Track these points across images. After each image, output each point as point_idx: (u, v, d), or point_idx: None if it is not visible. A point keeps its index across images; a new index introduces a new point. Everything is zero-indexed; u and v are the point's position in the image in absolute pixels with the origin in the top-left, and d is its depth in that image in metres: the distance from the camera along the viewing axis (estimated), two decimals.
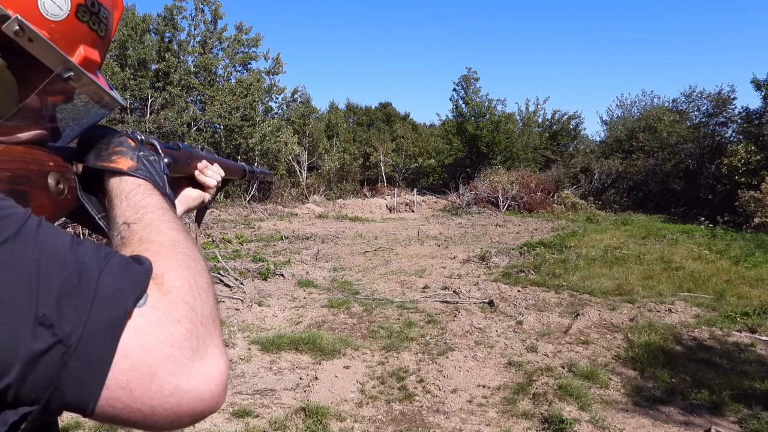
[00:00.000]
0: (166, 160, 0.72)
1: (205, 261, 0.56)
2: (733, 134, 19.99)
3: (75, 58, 0.58)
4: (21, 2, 0.52)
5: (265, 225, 14.40)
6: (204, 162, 0.93)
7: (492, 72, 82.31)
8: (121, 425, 0.44)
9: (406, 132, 32.83)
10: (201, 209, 0.98)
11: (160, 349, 0.42)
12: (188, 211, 0.93)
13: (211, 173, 0.93)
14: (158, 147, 0.74)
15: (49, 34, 0.54)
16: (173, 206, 0.66)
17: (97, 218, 0.66)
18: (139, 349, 0.42)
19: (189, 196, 0.91)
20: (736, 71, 79.27)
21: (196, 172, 0.91)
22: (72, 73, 0.57)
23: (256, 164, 23.91)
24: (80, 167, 0.66)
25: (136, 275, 0.45)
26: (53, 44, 0.54)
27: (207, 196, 0.94)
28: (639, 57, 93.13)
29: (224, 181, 0.99)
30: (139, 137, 0.70)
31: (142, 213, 0.59)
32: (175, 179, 0.86)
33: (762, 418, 3.49)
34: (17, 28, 0.51)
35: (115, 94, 0.66)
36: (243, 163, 1.17)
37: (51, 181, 0.59)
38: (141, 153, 0.67)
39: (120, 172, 0.64)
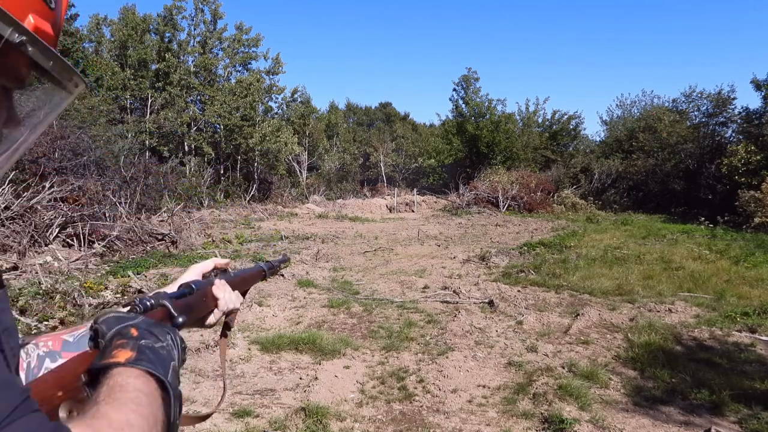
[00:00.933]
0: (179, 339, 0.66)
1: None
2: (733, 134, 20.05)
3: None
4: None
5: (265, 225, 14.40)
6: (220, 292, 0.90)
7: (492, 72, 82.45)
8: None
9: (406, 132, 32.87)
10: (225, 326, 0.98)
11: None
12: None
13: (222, 303, 0.91)
14: (170, 307, 0.70)
15: None
16: (171, 394, 0.59)
17: None
18: None
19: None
20: (736, 71, 79.44)
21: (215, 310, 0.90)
22: (24, 38, 0.49)
23: (256, 164, 23.91)
24: (86, 377, 0.60)
25: None
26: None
27: (214, 320, 0.92)
28: (639, 57, 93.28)
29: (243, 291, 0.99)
30: (148, 303, 0.66)
31: (117, 392, 0.53)
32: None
33: (762, 418, 3.49)
34: None
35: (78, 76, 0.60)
36: (261, 264, 1.14)
37: (63, 414, 0.53)
38: (143, 341, 0.61)
39: (117, 365, 0.58)
